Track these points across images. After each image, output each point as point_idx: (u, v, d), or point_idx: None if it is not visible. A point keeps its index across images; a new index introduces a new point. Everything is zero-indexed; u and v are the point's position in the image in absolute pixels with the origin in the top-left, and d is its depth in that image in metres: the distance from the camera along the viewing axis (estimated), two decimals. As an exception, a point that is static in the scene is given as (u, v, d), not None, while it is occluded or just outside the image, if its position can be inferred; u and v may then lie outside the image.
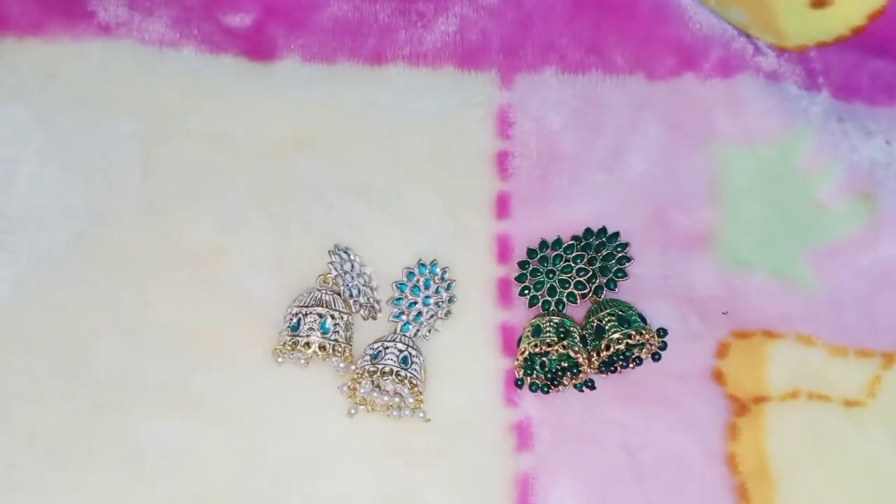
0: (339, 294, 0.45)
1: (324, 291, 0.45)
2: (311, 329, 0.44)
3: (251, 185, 0.49)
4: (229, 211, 0.48)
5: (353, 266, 0.47)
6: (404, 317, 0.46)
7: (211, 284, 0.47)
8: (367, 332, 0.46)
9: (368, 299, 0.46)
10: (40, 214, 0.47)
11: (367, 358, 0.45)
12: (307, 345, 0.44)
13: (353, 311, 0.46)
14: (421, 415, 0.45)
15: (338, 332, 0.44)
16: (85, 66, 0.50)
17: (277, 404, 0.45)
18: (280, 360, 0.44)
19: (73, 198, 0.48)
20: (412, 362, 0.44)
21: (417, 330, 0.46)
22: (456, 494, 0.44)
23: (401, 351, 0.44)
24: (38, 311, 0.46)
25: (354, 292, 0.46)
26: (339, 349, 0.44)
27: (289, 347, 0.44)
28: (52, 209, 0.48)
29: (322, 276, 0.46)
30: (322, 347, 0.44)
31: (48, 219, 0.47)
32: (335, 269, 0.46)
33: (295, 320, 0.45)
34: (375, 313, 0.47)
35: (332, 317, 0.44)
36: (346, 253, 0.47)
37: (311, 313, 0.44)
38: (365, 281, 0.47)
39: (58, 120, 0.49)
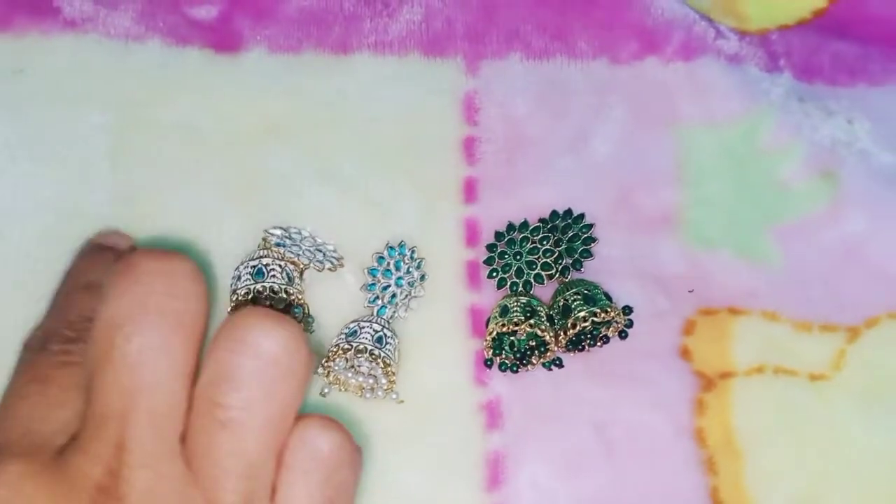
0: (281, 257, 0.46)
1: (264, 252, 0.46)
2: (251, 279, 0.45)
3: (220, 175, 0.49)
4: (199, 201, 0.48)
5: (290, 237, 0.47)
6: (380, 301, 0.47)
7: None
8: (335, 312, 0.47)
9: (325, 253, 0.47)
10: (11, 209, 0.48)
11: (343, 336, 0.45)
12: (259, 291, 0.44)
13: (317, 269, 0.46)
14: (394, 396, 0.45)
15: (283, 277, 0.45)
16: (53, 61, 0.50)
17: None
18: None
19: (43, 192, 0.48)
20: (387, 343, 0.45)
21: (394, 312, 0.46)
22: (427, 474, 0.44)
23: (376, 331, 0.45)
24: (10, 306, 0.46)
25: (309, 255, 0.46)
26: (291, 291, 0.45)
27: (242, 298, 0.44)
28: (23, 204, 0.48)
29: (262, 242, 0.47)
30: (273, 290, 0.44)
31: (19, 214, 0.48)
32: (275, 238, 0.46)
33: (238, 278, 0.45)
34: (339, 263, 0.47)
35: (280, 266, 0.45)
36: (281, 230, 0.47)
37: (249, 266, 0.45)
38: (311, 242, 0.47)
39: (26, 115, 0.49)
